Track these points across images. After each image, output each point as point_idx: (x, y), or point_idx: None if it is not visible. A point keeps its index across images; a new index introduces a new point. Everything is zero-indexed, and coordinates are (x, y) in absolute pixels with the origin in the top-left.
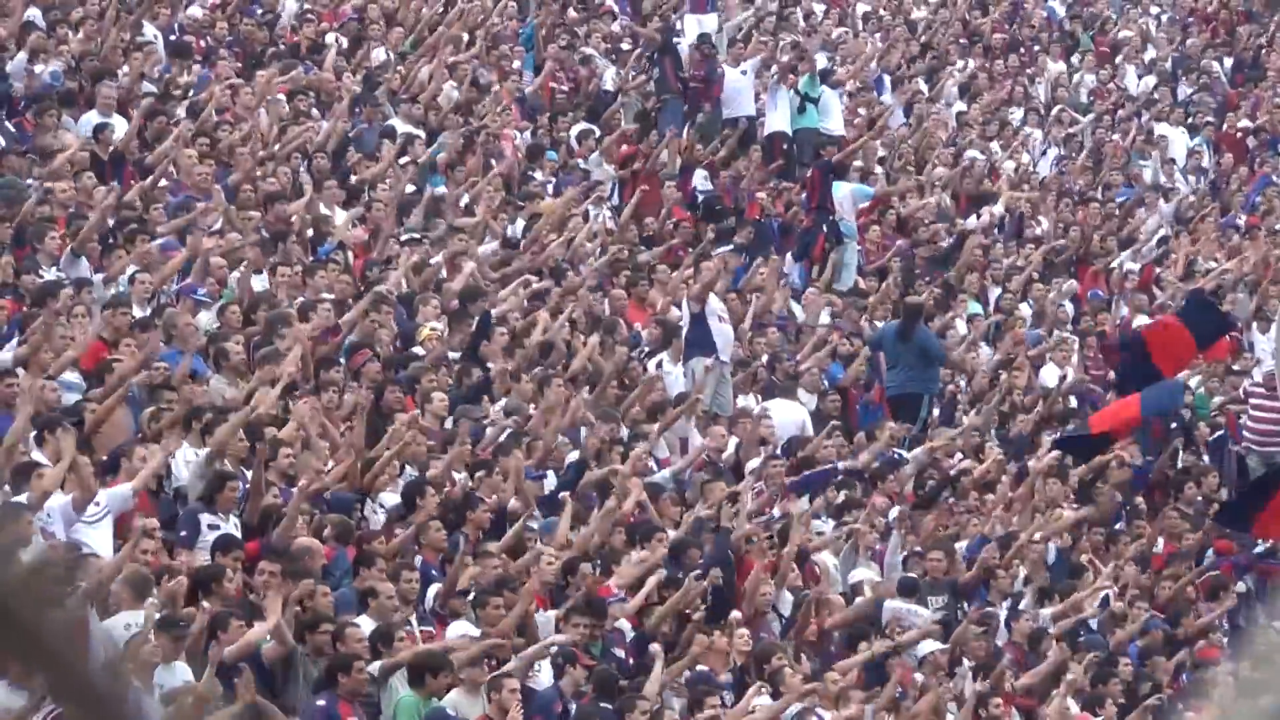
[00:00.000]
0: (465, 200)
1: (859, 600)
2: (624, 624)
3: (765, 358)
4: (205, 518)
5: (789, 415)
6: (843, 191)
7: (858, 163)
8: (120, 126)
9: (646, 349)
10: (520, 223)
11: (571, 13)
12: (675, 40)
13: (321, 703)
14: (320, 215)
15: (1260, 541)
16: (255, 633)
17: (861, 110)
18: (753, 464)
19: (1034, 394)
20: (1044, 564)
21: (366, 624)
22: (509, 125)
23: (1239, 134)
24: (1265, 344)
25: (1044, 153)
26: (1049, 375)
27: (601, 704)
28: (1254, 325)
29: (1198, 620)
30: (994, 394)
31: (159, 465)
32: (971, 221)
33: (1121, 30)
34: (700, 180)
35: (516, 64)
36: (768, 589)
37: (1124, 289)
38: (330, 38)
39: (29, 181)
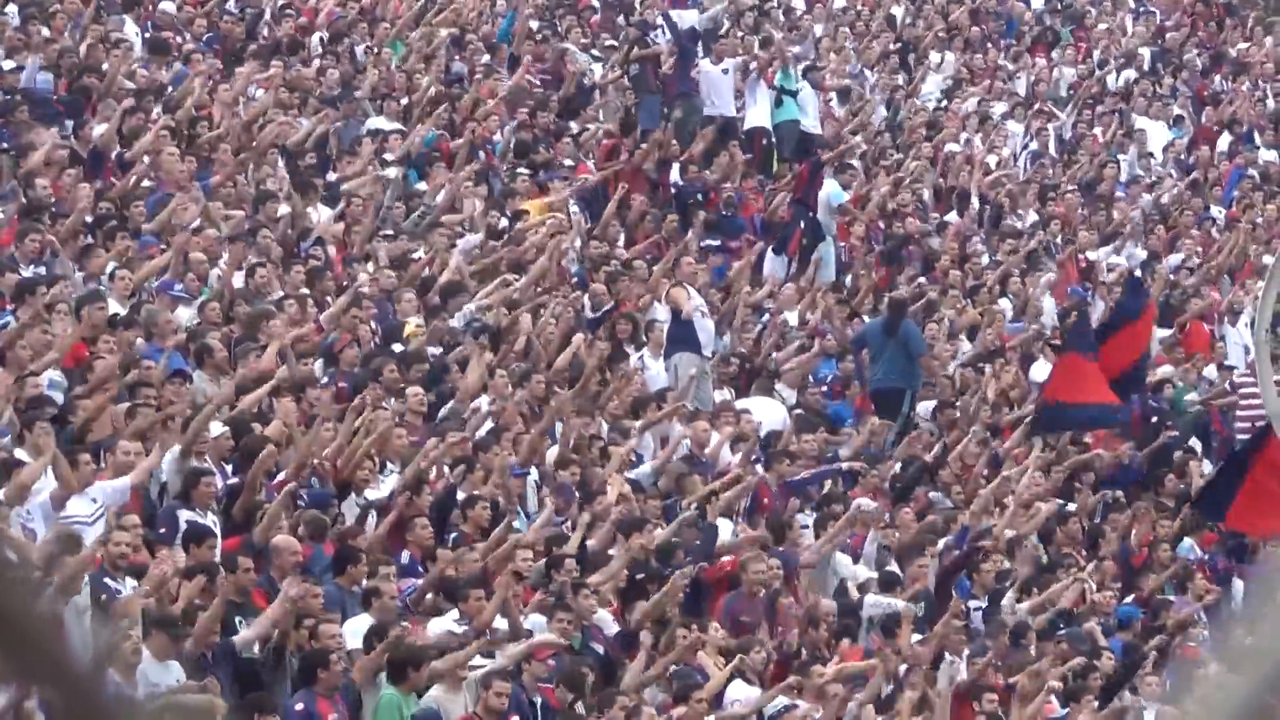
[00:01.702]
0: (441, 197)
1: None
2: (606, 618)
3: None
4: (184, 514)
5: (769, 413)
6: (822, 191)
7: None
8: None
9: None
10: (503, 220)
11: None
12: (652, 37)
13: (300, 706)
14: (301, 212)
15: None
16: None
17: (836, 103)
18: (732, 459)
19: (1022, 389)
20: (1031, 560)
21: (368, 623)
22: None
23: (1216, 127)
24: (1236, 337)
25: (1025, 147)
26: (1039, 371)
27: (571, 699)
28: (1225, 319)
29: (1177, 615)
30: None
31: (154, 463)
32: (951, 217)
33: (1101, 24)
34: (678, 174)
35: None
36: (760, 567)
37: (1102, 284)
38: (315, 38)
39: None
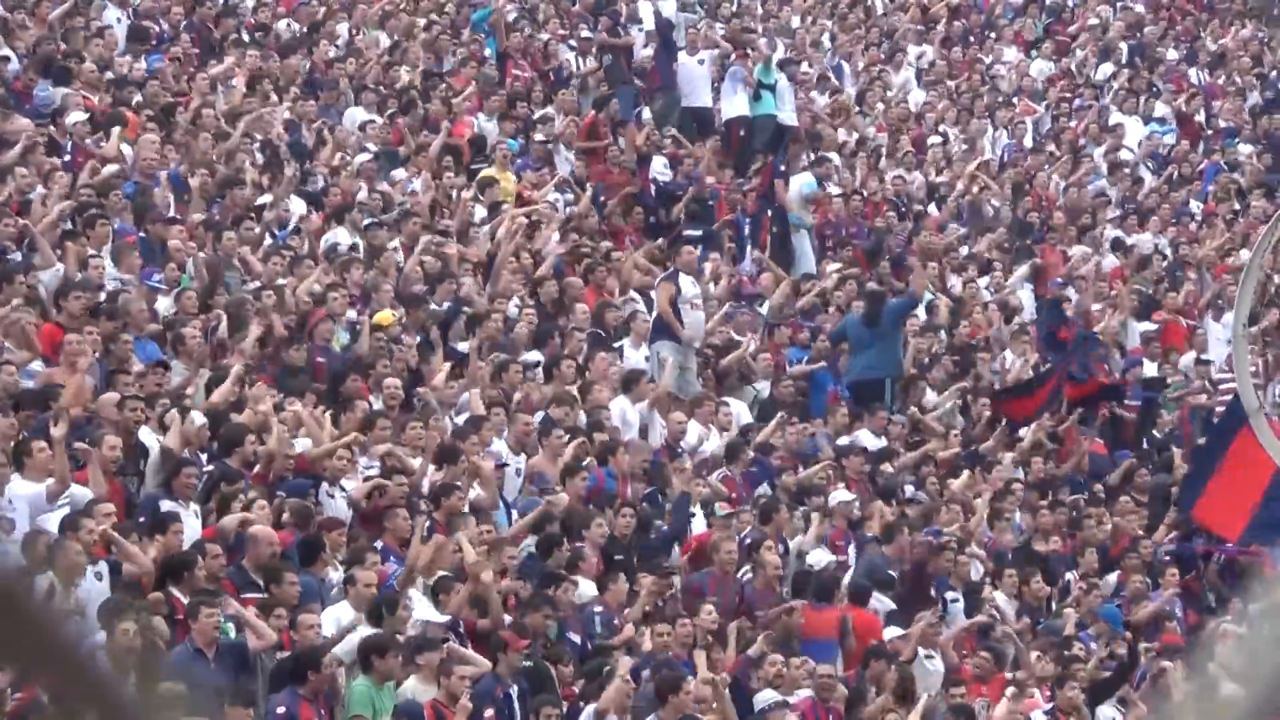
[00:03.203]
0: (418, 185)
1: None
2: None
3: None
4: (164, 504)
5: (739, 408)
6: (795, 184)
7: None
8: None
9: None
10: (481, 210)
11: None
12: (628, 28)
13: (281, 709)
14: (278, 200)
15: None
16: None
17: (816, 95)
18: (700, 451)
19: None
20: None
21: (346, 611)
22: (468, 111)
23: (1194, 120)
24: (1220, 332)
25: (1006, 139)
26: (1009, 363)
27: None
28: (1208, 314)
29: (1147, 609)
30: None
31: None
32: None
33: (1079, 18)
34: (659, 168)
35: (486, 52)
36: (731, 546)
37: (1079, 278)
38: (283, 24)
39: None
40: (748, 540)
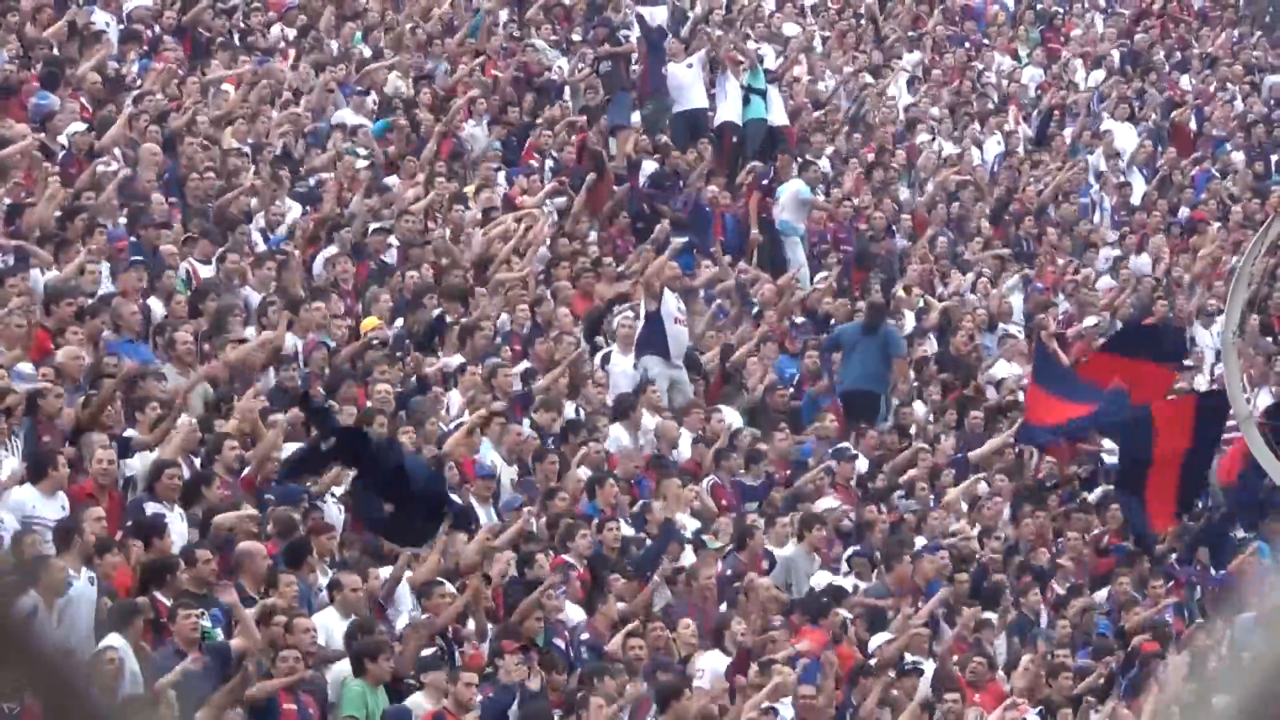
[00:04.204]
0: (411, 192)
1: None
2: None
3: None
4: (150, 507)
5: (732, 416)
6: (787, 190)
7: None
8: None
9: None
10: (471, 212)
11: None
12: (625, 35)
13: None
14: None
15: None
16: None
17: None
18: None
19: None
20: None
21: (332, 617)
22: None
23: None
24: (1208, 339)
25: (998, 148)
26: (999, 370)
27: None
28: (1196, 322)
29: (1140, 616)
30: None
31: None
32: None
33: (1070, 26)
34: (649, 172)
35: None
36: (710, 572)
37: (1067, 286)
38: (276, 29)
39: None
40: (728, 572)
